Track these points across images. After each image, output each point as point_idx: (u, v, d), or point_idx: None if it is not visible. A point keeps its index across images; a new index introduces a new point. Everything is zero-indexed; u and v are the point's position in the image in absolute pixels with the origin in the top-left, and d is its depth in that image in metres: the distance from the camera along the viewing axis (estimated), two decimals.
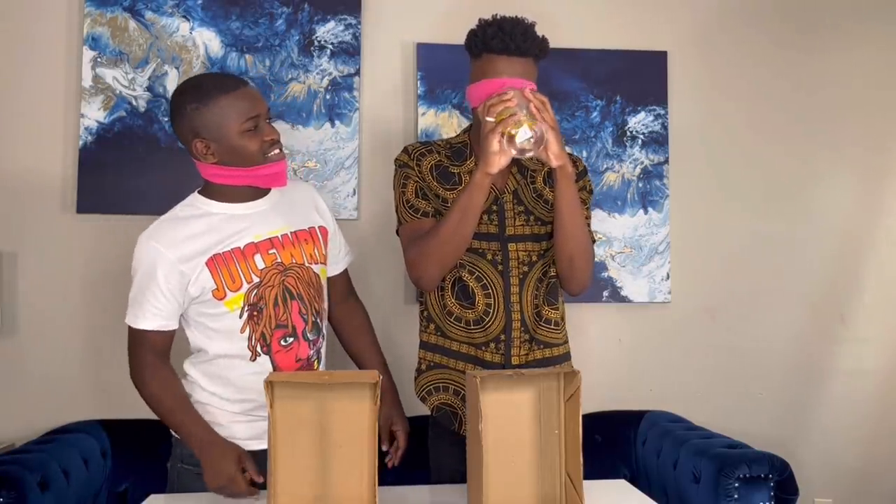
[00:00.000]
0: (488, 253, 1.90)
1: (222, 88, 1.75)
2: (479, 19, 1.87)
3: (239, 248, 1.79)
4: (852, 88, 2.93)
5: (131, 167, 2.59)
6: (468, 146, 1.95)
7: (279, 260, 1.82)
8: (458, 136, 2.02)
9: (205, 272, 1.75)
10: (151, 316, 1.76)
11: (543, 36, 1.84)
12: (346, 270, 2.07)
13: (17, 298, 2.57)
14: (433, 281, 1.88)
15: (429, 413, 2.00)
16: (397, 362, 2.34)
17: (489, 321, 1.89)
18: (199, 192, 1.86)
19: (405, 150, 1.98)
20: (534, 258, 1.92)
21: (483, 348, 1.90)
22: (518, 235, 1.90)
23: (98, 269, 2.59)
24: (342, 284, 2.05)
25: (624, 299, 2.80)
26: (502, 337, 1.89)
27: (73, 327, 2.59)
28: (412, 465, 2.01)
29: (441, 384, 1.95)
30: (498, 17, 1.85)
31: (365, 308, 2.13)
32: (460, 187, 1.90)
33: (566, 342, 2.01)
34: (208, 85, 1.77)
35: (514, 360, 1.89)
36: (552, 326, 1.94)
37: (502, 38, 1.78)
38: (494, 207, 1.90)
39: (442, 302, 1.94)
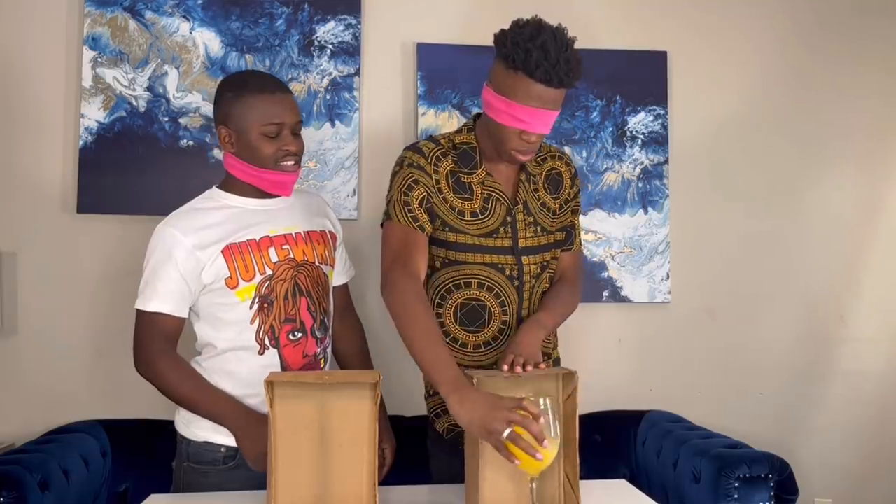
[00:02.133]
0: (506, 268, 1.82)
1: (260, 88, 1.82)
2: (517, 22, 1.72)
3: (254, 239, 1.82)
4: (852, 88, 2.93)
5: (131, 167, 2.59)
6: (476, 150, 1.84)
7: (292, 256, 1.85)
8: (461, 133, 1.88)
9: (220, 259, 1.78)
10: (165, 298, 1.77)
11: (580, 57, 1.71)
12: (346, 285, 2.09)
13: (17, 298, 2.57)
14: None
15: (436, 428, 1.94)
16: (397, 363, 2.34)
17: (503, 339, 1.83)
18: (217, 187, 1.91)
19: (420, 151, 1.83)
20: (539, 269, 1.88)
21: (493, 367, 1.82)
22: (530, 247, 1.84)
23: (98, 270, 2.59)
24: (342, 298, 2.07)
25: (624, 299, 2.80)
26: None
27: (73, 327, 2.59)
28: (412, 465, 2.01)
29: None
30: (538, 25, 1.69)
31: (361, 325, 2.14)
32: (473, 198, 1.82)
33: (556, 347, 1.98)
34: (250, 81, 1.86)
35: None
36: (545, 338, 1.89)
37: (546, 70, 1.64)
38: (508, 219, 1.83)
39: (444, 329, 1.84)
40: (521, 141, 1.73)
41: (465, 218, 1.81)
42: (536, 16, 1.73)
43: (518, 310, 1.84)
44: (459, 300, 1.83)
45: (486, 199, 1.83)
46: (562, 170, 1.95)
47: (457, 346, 1.84)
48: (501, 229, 1.83)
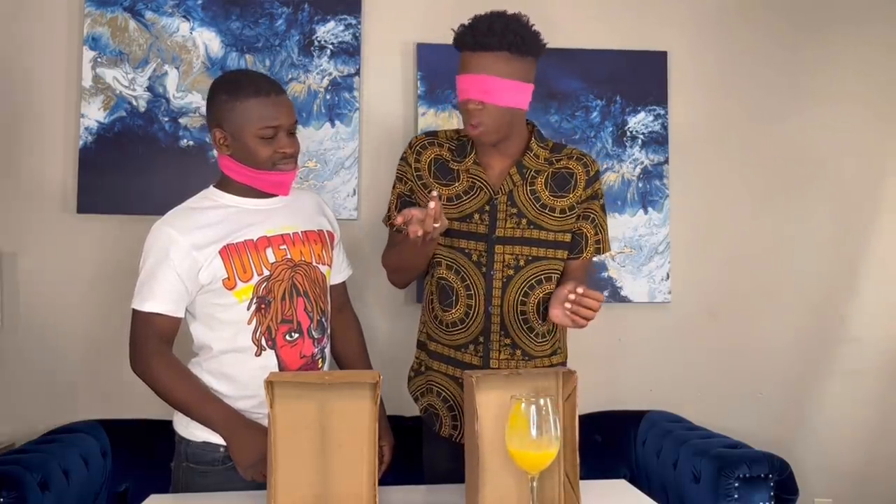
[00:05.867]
0: (474, 254, 1.89)
1: (255, 90, 1.79)
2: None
3: (252, 240, 1.82)
4: (852, 88, 2.93)
5: (131, 167, 2.59)
6: (469, 141, 1.93)
7: (289, 256, 1.85)
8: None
9: (217, 260, 1.77)
10: (161, 298, 1.77)
11: (525, 30, 1.78)
12: (343, 283, 2.09)
13: (18, 298, 2.57)
14: (401, 287, 2.10)
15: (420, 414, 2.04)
16: (396, 363, 2.35)
17: (469, 322, 1.90)
18: (214, 186, 1.90)
19: (410, 142, 1.99)
20: (521, 262, 1.89)
21: (463, 350, 1.91)
22: (507, 237, 1.88)
23: (98, 269, 2.59)
24: (339, 296, 2.07)
25: (624, 299, 2.80)
26: (481, 339, 1.90)
27: (74, 327, 2.59)
28: (412, 465, 2.02)
29: (427, 387, 1.98)
30: (487, 13, 1.81)
31: (359, 321, 2.14)
32: (457, 184, 1.91)
33: (556, 354, 1.98)
34: (244, 82, 1.82)
35: (493, 364, 1.89)
36: (538, 339, 1.92)
37: (464, 35, 1.78)
38: (487, 207, 1.88)
39: (430, 305, 1.97)
40: (464, 111, 1.82)
41: (442, 203, 1.88)
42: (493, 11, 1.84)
43: (487, 296, 1.89)
44: (436, 277, 1.94)
45: (470, 186, 1.91)
46: (575, 171, 1.92)
47: (442, 326, 1.94)
48: (477, 215, 1.89)
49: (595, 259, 2.75)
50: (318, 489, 1.56)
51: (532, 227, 1.89)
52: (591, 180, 1.93)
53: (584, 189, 1.92)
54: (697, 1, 2.89)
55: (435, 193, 1.67)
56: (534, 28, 1.82)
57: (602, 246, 1.98)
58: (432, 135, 1.99)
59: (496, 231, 1.88)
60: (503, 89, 1.77)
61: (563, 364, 2.00)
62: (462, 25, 1.81)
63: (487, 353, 1.90)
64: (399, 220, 1.68)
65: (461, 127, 1.96)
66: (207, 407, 1.78)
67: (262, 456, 1.70)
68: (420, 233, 1.66)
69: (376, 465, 1.55)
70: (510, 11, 1.82)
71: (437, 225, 1.68)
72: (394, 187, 2.01)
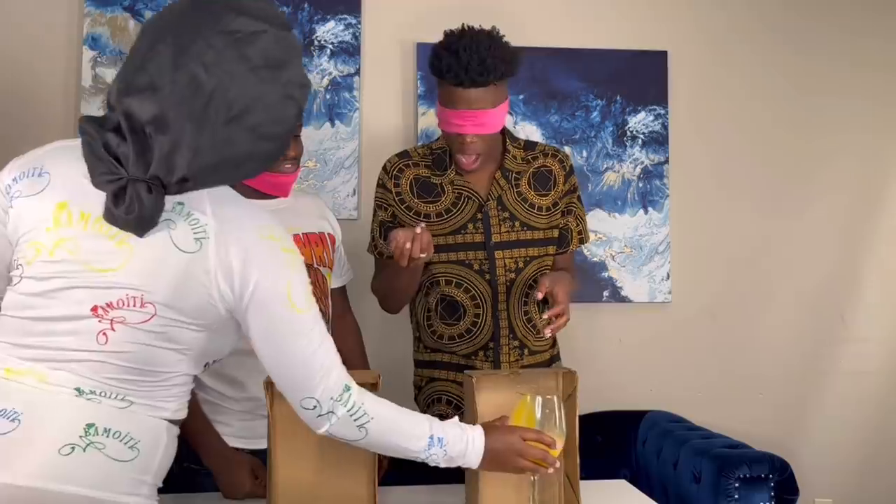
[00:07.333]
0: (475, 263, 1.89)
1: None
2: (444, 32, 1.82)
3: None
4: (852, 89, 2.93)
5: None
6: (447, 153, 1.92)
7: None
8: (438, 140, 1.98)
9: None
10: None
11: (509, 54, 1.78)
12: (343, 287, 2.08)
13: None
14: (393, 312, 2.04)
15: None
16: (395, 365, 2.34)
17: (477, 331, 1.90)
18: None
19: (384, 167, 1.98)
20: (520, 264, 1.91)
21: (472, 357, 1.92)
22: (504, 242, 1.89)
23: None
24: (339, 300, 2.06)
25: (624, 299, 2.80)
26: (490, 345, 1.90)
27: None
28: (412, 465, 2.01)
29: (436, 396, 1.98)
30: (464, 31, 1.79)
31: (358, 326, 2.13)
32: (442, 198, 1.91)
33: (554, 345, 2.00)
34: None
35: (504, 367, 1.90)
36: (538, 333, 1.94)
37: (456, 72, 1.73)
38: (479, 216, 1.89)
39: (428, 322, 1.96)
40: (459, 144, 1.81)
41: (431, 220, 1.88)
42: (464, 23, 1.82)
43: (493, 303, 1.89)
44: (438, 296, 1.92)
45: (457, 198, 1.90)
46: (553, 168, 1.96)
47: (435, 337, 1.94)
48: (471, 225, 1.89)
49: (596, 260, 2.76)
50: (318, 489, 1.56)
51: (525, 228, 1.91)
52: (568, 175, 1.98)
53: (563, 185, 1.96)
54: (698, 1, 2.89)
55: (423, 225, 1.68)
56: (506, 41, 1.81)
57: (583, 236, 2.03)
58: (405, 155, 1.99)
59: (493, 238, 1.89)
60: (496, 117, 1.80)
61: (557, 356, 2.02)
62: (441, 56, 1.77)
63: (497, 356, 1.91)
64: (392, 246, 1.68)
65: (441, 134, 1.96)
66: (199, 431, 1.76)
67: (246, 494, 1.70)
68: (405, 258, 1.67)
69: (376, 465, 1.55)
70: (479, 26, 1.81)
71: (423, 255, 1.68)
72: (374, 215, 2.00)
